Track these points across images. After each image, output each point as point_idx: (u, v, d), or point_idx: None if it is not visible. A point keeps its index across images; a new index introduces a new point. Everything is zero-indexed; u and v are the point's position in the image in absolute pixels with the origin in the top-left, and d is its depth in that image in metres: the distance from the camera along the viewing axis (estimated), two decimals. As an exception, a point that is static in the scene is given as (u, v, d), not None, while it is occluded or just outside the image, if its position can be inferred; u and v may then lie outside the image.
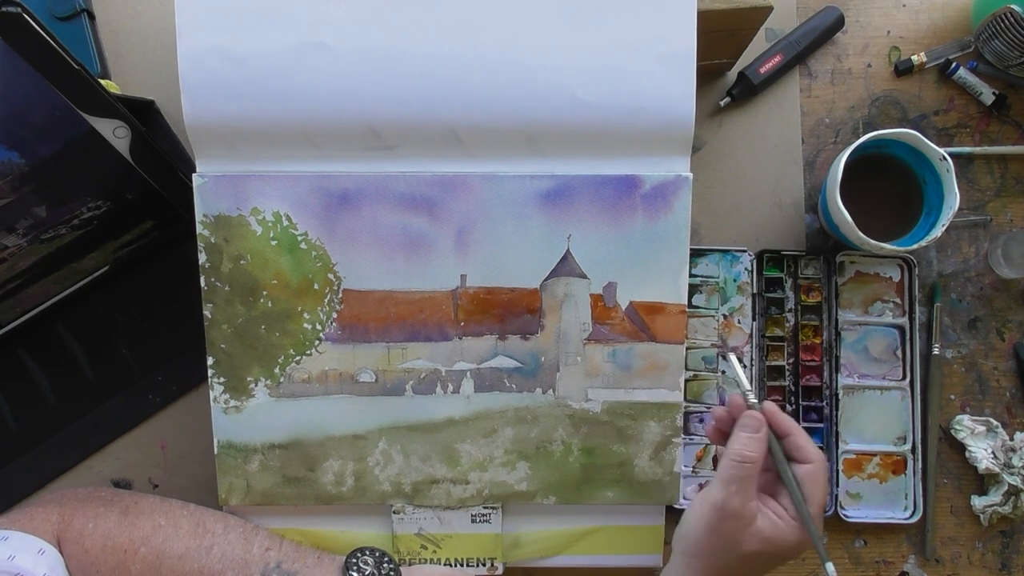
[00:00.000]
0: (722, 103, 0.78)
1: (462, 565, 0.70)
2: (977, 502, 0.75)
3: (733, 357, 0.63)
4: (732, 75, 0.79)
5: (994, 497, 0.75)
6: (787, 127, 0.79)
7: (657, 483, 0.69)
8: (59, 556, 0.60)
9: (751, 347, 0.76)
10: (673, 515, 0.75)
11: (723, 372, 0.76)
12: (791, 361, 0.76)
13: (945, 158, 0.68)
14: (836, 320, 0.76)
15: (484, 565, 0.70)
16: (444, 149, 0.64)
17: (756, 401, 0.60)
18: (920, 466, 0.75)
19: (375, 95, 0.62)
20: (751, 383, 0.74)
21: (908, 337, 0.76)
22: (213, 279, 0.65)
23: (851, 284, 0.77)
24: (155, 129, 0.75)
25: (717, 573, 0.59)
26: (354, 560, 0.65)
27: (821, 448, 0.75)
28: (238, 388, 0.66)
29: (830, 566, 0.57)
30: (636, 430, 0.68)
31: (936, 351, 0.76)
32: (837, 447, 0.75)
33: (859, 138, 0.69)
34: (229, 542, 0.64)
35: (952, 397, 0.77)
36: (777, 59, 0.77)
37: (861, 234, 0.68)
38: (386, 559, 0.66)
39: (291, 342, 0.66)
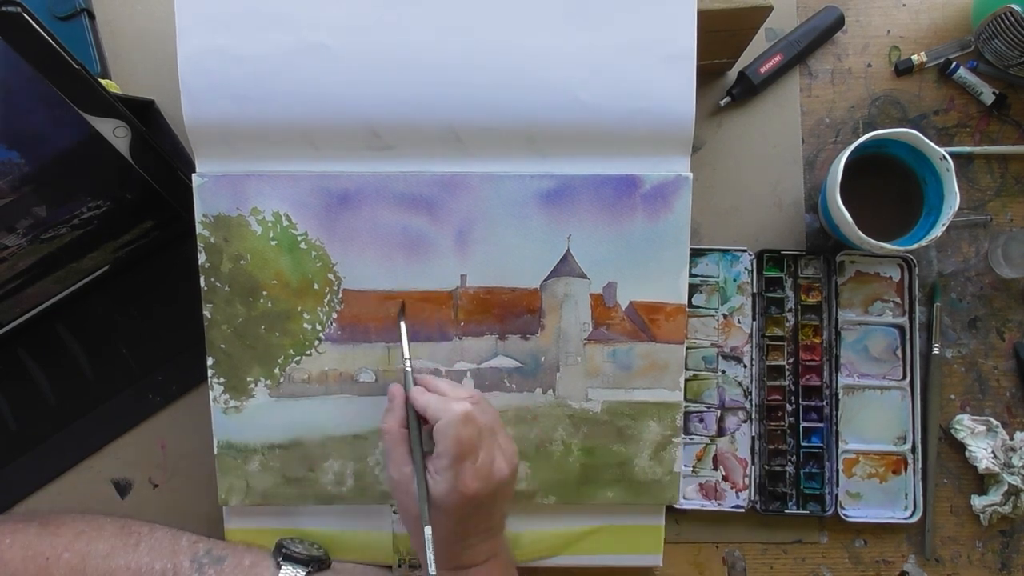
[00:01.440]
0: (722, 103, 0.78)
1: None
2: (977, 502, 0.75)
3: (402, 324, 0.63)
4: (732, 75, 0.79)
5: (994, 497, 0.75)
6: (787, 127, 0.79)
7: (657, 483, 0.69)
8: None
9: (751, 347, 0.76)
10: (673, 515, 0.76)
11: (723, 372, 0.76)
12: (791, 361, 0.76)
13: (945, 158, 0.68)
14: (836, 320, 0.76)
15: (484, 565, 0.70)
16: (444, 149, 0.64)
17: (410, 373, 0.61)
18: (920, 466, 0.75)
19: (375, 95, 0.62)
20: (752, 380, 0.75)
21: (908, 337, 0.76)
22: (213, 279, 0.65)
23: (851, 284, 0.77)
24: (155, 129, 0.75)
25: (417, 542, 0.59)
26: (284, 541, 0.67)
27: (820, 449, 0.75)
28: (238, 388, 0.66)
29: (427, 529, 0.57)
30: (636, 430, 0.68)
31: (936, 351, 0.76)
32: (837, 447, 0.75)
33: (859, 138, 0.69)
34: (156, 539, 0.65)
35: (952, 397, 0.77)
36: (777, 59, 0.77)
37: (861, 234, 0.68)
38: (316, 546, 0.68)
39: (291, 342, 0.66)
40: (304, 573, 0.64)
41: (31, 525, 0.65)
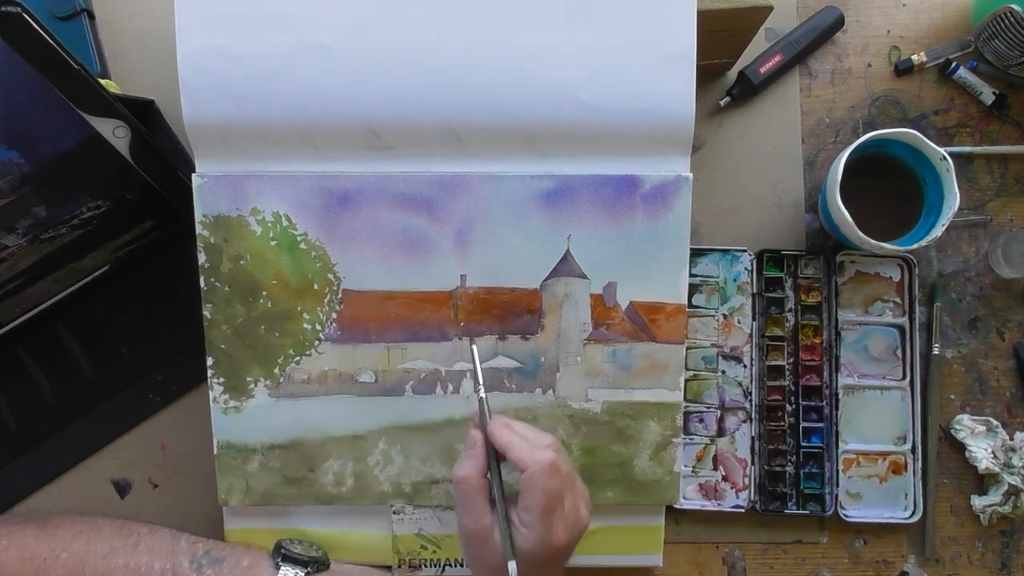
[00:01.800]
0: (722, 103, 0.78)
1: (462, 566, 0.70)
2: (977, 502, 0.75)
3: (475, 349, 0.61)
4: (732, 75, 0.79)
5: (994, 497, 0.75)
6: (787, 127, 0.79)
7: (657, 483, 0.69)
8: None
9: (751, 347, 0.76)
10: (673, 515, 0.76)
11: (723, 372, 0.76)
12: (791, 361, 0.76)
13: (945, 158, 0.68)
14: (836, 320, 0.76)
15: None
16: (444, 149, 0.64)
17: (487, 411, 0.59)
18: (920, 466, 0.75)
19: (375, 95, 0.62)
20: (752, 380, 0.75)
21: (908, 337, 0.76)
22: (213, 279, 0.65)
23: (851, 284, 0.76)
24: (155, 129, 0.75)
25: None
26: (283, 541, 0.67)
27: (820, 448, 0.75)
28: (238, 388, 0.66)
29: (512, 565, 0.55)
30: (636, 430, 0.68)
31: (936, 351, 0.76)
32: (837, 447, 0.75)
33: (859, 138, 0.69)
34: (155, 538, 0.65)
35: (952, 397, 0.77)
36: (777, 59, 0.77)
37: (861, 234, 0.68)
38: (314, 547, 0.68)
39: (291, 342, 0.66)
40: (303, 574, 0.64)
41: (27, 527, 0.65)
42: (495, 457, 0.58)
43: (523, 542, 0.55)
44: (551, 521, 0.55)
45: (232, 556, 0.65)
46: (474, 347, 0.61)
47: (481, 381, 0.60)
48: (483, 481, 0.57)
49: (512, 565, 0.55)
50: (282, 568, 0.64)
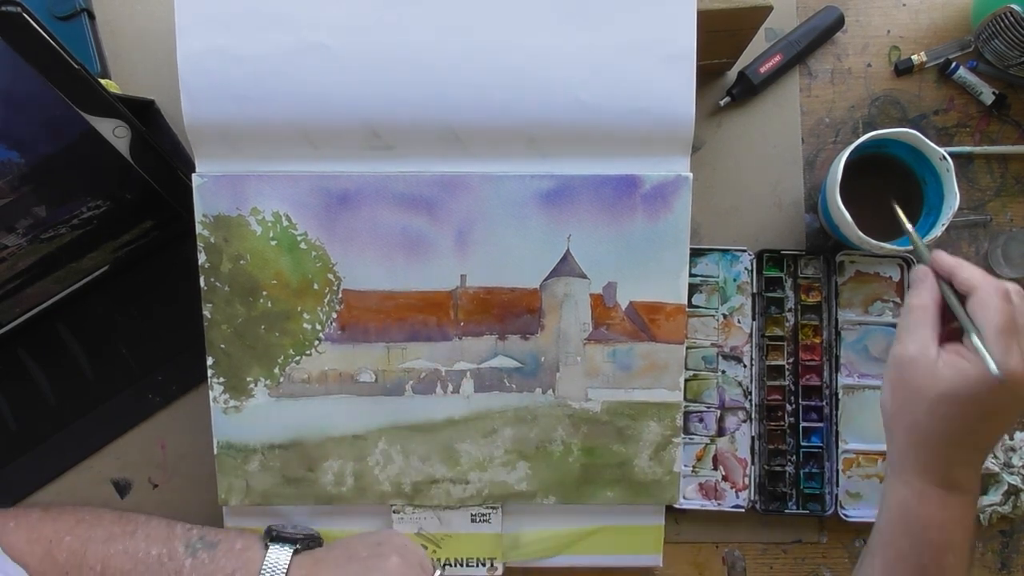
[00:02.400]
0: (722, 103, 0.78)
1: (462, 565, 0.70)
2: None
3: (909, 226, 0.65)
4: (732, 75, 0.79)
5: (994, 497, 0.75)
6: (787, 127, 0.79)
7: (657, 483, 0.69)
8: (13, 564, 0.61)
9: (751, 347, 0.76)
10: (673, 515, 0.76)
11: (723, 372, 0.76)
12: (791, 361, 0.76)
13: (945, 158, 0.68)
14: (836, 320, 0.76)
15: (484, 565, 0.70)
16: (444, 149, 0.64)
17: (926, 254, 0.61)
18: (920, 466, 0.75)
19: (375, 95, 0.62)
20: (752, 380, 0.75)
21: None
22: (213, 279, 0.65)
23: (851, 284, 0.76)
24: (155, 129, 0.75)
25: (915, 431, 0.56)
26: (273, 527, 0.68)
27: (820, 448, 0.75)
28: (238, 388, 0.66)
29: (991, 365, 0.52)
30: (636, 430, 0.68)
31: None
32: (837, 447, 0.75)
33: (859, 138, 0.69)
34: (152, 526, 0.66)
35: (952, 397, 0.77)
36: (777, 59, 0.77)
37: (861, 234, 0.68)
38: (308, 528, 0.69)
39: (291, 342, 0.66)
40: (291, 551, 0.64)
41: (32, 511, 0.66)
42: (952, 289, 0.58)
43: (970, 369, 0.54)
44: (1007, 343, 0.53)
45: (226, 540, 0.65)
46: (896, 206, 0.67)
47: (911, 228, 0.65)
48: (937, 312, 0.57)
49: (975, 338, 0.53)
50: (271, 547, 0.64)
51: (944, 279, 0.58)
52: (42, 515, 0.65)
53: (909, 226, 0.65)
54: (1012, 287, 0.55)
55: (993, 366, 0.52)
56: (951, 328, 0.58)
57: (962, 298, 0.57)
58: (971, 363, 0.54)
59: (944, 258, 0.59)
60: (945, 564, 0.56)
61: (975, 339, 0.53)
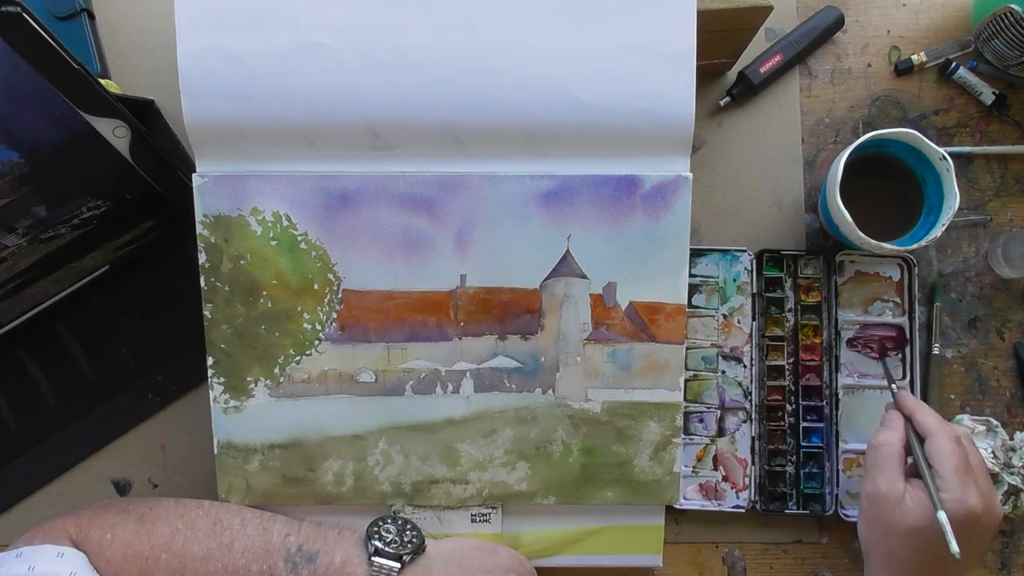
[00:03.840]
0: (722, 103, 0.78)
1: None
2: (977, 502, 0.75)
3: (895, 387, 0.70)
4: (732, 75, 0.79)
5: (994, 497, 0.75)
6: (787, 127, 0.79)
7: (657, 483, 0.69)
8: (80, 554, 0.59)
9: (751, 347, 0.76)
10: (673, 515, 0.76)
11: (723, 372, 0.76)
12: (791, 361, 0.76)
13: (945, 158, 0.68)
14: (836, 320, 0.76)
15: (484, 565, 0.70)
16: (444, 149, 0.64)
17: (897, 394, 0.67)
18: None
19: (375, 95, 0.62)
20: (752, 380, 0.75)
21: (908, 337, 0.76)
22: (213, 279, 0.65)
23: (851, 284, 0.77)
24: (155, 129, 0.75)
25: (889, 561, 0.61)
26: (375, 529, 0.65)
27: (820, 449, 0.75)
28: (238, 388, 0.66)
29: (953, 545, 0.56)
30: (636, 430, 0.68)
31: (936, 351, 0.76)
32: (837, 447, 0.75)
33: (859, 138, 0.69)
34: (248, 536, 0.64)
35: (952, 397, 0.77)
36: (777, 59, 0.77)
37: (861, 234, 0.68)
38: (408, 526, 0.66)
39: (291, 342, 0.66)
40: (398, 568, 0.63)
41: (128, 520, 0.63)
42: (913, 429, 0.64)
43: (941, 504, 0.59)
44: (964, 481, 0.59)
45: (324, 552, 0.64)
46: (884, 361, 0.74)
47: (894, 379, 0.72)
48: (901, 449, 0.62)
49: (943, 515, 0.57)
50: (375, 562, 0.63)
51: (905, 417, 0.65)
52: (137, 527, 0.62)
53: (890, 373, 0.73)
54: (961, 432, 0.62)
55: (955, 546, 0.56)
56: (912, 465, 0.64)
57: (920, 438, 0.63)
58: (942, 495, 0.59)
59: (908, 399, 0.66)
60: None
61: (940, 515, 0.57)
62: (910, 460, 0.63)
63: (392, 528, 0.66)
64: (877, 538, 0.62)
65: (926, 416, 0.63)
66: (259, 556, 0.63)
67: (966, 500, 0.58)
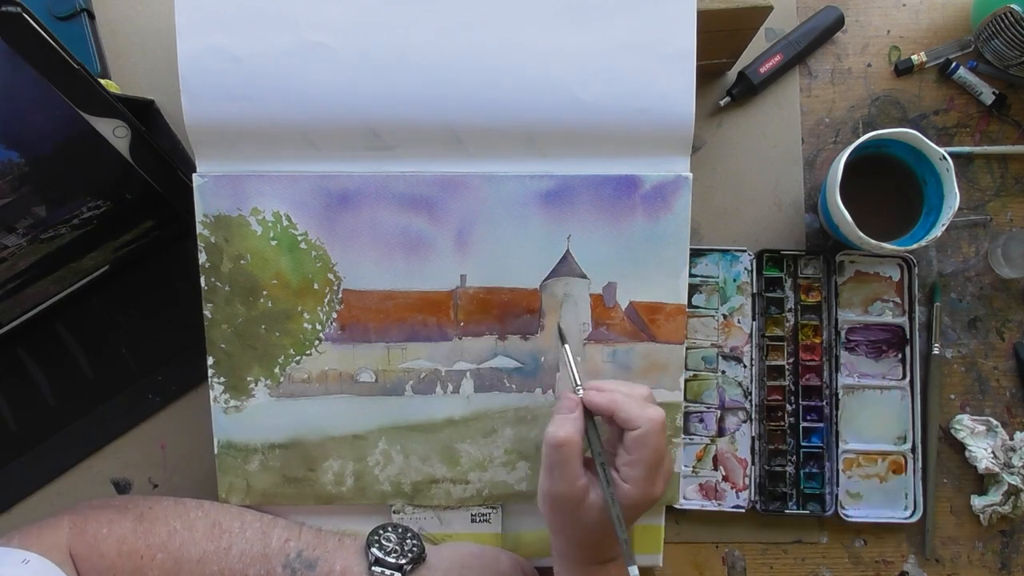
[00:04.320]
0: (722, 103, 0.78)
1: (462, 565, 0.70)
2: (977, 502, 0.75)
3: (567, 348, 0.63)
4: (732, 75, 0.79)
5: (994, 497, 0.75)
6: (787, 127, 0.79)
7: (657, 483, 0.69)
8: (48, 563, 0.57)
9: (751, 347, 0.76)
10: (673, 515, 0.76)
11: (723, 372, 0.76)
12: (791, 361, 0.76)
13: (945, 158, 0.68)
14: (836, 320, 0.76)
15: (484, 565, 0.70)
16: (444, 149, 0.64)
17: (580, 387, 0.60)
18: (920, 466, 0.75)
19: (375, 95, 0.62)
20: (752, 380, 0.75)
21: (908, 337, 0.76)
22: (213, 279, 0.65)
23: (851, 284, 0.77)
24: (155, 129, 0.75)
25: (577, 545, 0.60)
26: (376, 537, 0.65)
27: (820, 448, 0.75)
28: (238, 388, 0.66)
29: (633, 570, 0.55)
30: (636, 430, 0.68)
31: (936, 351, 0.76)
32: (837, 447, 0.75)
33: (859, 138, 0.69)
34: (247, 539, 0.64)
35: (952, 397, 0.77)
36: (777, 59, 0.77)
37: (861, 234, 0.68)
38: (409, 535, 0.66)
39: (291, 342, 0.66)
40: None
41: (126, 517, 0.63)
42: (591, 418, 0.59)
43: (624, 497, 0.57)
44: (655, 476, 0.57)
45: (324, 558, 0.64)
46: (566, 348, 0.63)
47: (575, 371, 0.61)
48: (580, 444, 0.57)
49: (634, 570, 0.55)
50: (374, 571, 0.62)
51: (602, 416, 0.59)
52: (135, 524, 0.62)
53: (572, 367, 0.62)
54: (660, 411, 0.57)
55: (633, 569, 0.55)
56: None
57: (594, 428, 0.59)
58: (624, 490, 0.57)
59: (598, 399, 0.58)
60: None
61: (632, 571, 0.55)
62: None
63: (392, 536, 0.66)
64: (563, 527, 0.59)
65: (627, 408, 0.57)
66: (257, 561, 0.63)
67: (651, 491, 0.57)
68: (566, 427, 0.57)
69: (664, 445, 0.57)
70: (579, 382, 0.60)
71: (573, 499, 0.57)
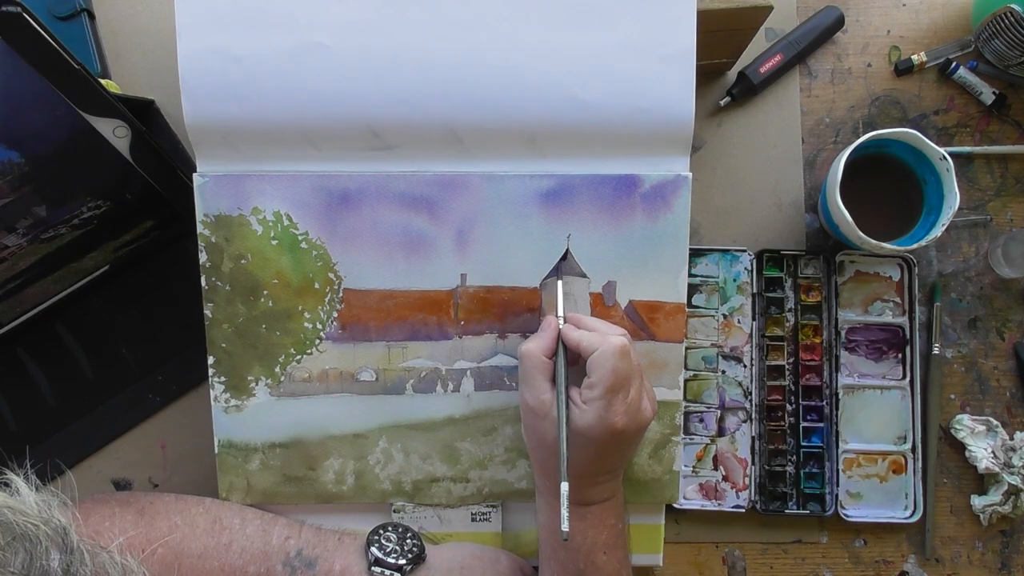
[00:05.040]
0: (722, 103, 0.78)
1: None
2: (977, 502, 0.75)
3: (560, 284, 0.64)
4: (732, 75, 0.79)
5: (994, 497, 0.75)
6: (787, 127, 0.79)
7: (656, 481, 0.69)
8: None
9: (751, 347, 0.76)
10: (673, 515, 0.76)
11: (723, 372, 0.76)
12: (791, 360, 0.76)
13: (945, 158, 0.68)
14: (836, 320, 0.76)
15: (484, 564, 0.70)
16: (444, 149, 0.64)
17: (562, 318, 0.62)
18: (920, 465, 0.75)
19: (375, 95, 0.62)
20: (752, 380, 0.75)
21: (908, 336, 0.76)
22: (214, 278, 0.65)
23: (851, 284, 0.77)
24: (155, 129, 0.75)
25: (543, 467, 0.61)
26: (376, 537, 0.65)
27: (820, 448, 0.75)
28: (239, 387, 0.66)
29: (564, 486, 0.56)
30: (636, 429, 0.68)
31: (936, 351, 0.76)
32: (837, 446, 0.75)
33: (859, 138, 0.69)
34: (247, 536, 0.64)
35: (952, 397, 0.77)
36: (777, 59, 0.77)
37: (861, 234, 0.68)
38: (409, 535, 0.66)
39: (292, 341, 0.66)
40: None
41: (128, 512, 0.63)
42: (562, 342, 0.61)
43: (579, 419, 0.58)
44: (612, 401, 0.57)
45: (324, 557, 0.64)
46: (559, 283, 0.64)
47: (561, 304, 0.63)
48: (545, 360, 0.60)
49: (565, 486, 0.56)
50: (374, 571, 0.63)
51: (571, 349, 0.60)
52: (136, 518, 0.62)
53: (559, 303, 0.63)
54: (628, 345, 0.58)
55: (565, 525, 0.55)
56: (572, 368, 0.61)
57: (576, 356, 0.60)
58: (581, 411, 0.58)
59: (569, 330, 0.61)
60: (598, 562, 0.61)
61: (563, 487, 0.56)
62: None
63: (393, 536, 0.66)
64: (533, 447, 0.61)
65: (588, 338, 0.59)
66: (257, 558, 0.63)
67: (608, 417, 0.57)
68: (533, 342, 0.61)
69: (626, 372, 0.57)
70: (561, 314, 0.62)
71: (538, 411, 0.59)
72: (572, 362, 0.61)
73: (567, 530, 0.55)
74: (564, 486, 0.56)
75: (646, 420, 0.60)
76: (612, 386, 0.57)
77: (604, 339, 0.58)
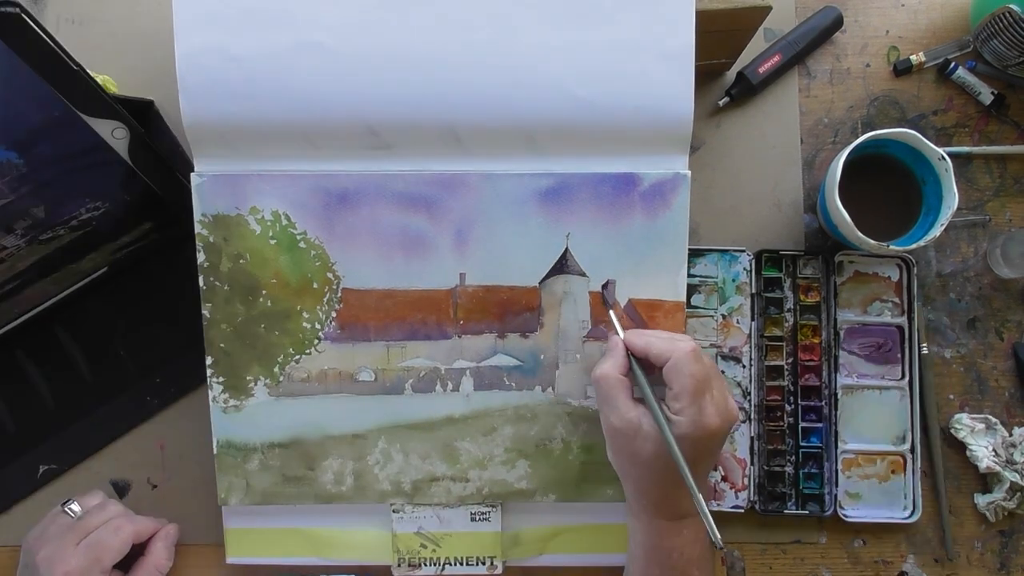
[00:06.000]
0: (721, 103, 0.78)
1: (461, 564, 0.70)
2: (981, 500, 0.75)
3: (612, 313, 0.65)
4: (731, 75, 0.79)
5: (998, 494, 0.74)
6: (786, 127, 0.79)
7: (657, 482, 0.69)
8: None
9: (750, 347, 0.76)
10: (673, 515, 0.76)
11: (722, 372, 0.76)
12: (790, 361, 0.76)
13: (944, 158, 0.68)
14: (835, 320, 0.76)
15: (484, 564, 0.70)
16: (443, 148, 0.64)
17: (621, 330, 0.63)
18: (919, 465, 0.75)
19: (373, 95, 0.62)
20: (751, 381, 0.75)
21: (907, 337, 0.76)
22: (212, 278, 0.65)
23: (850, 284, 0.77)
24: (155, 130, 0.75)
25: (638, 487, 0.61)
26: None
27: (820, 449, 0.75)
28: (237, 387, 0.66)
29: (700, 501, 0.56)
30: (635, 429, 0.68)
31: (924, 350, 0.76)
32: (836, 447, 0.75)
33: (858, 138, 0.69)
34: None
35: (951, 397, 0.77)
36: (776, 59, 0.77)
37: (860, 234, 0.68)
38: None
39: (290, 341, 0.66)
40: None
41: None
42: (634, 355, 0.61)
43: (675, 430, 0.58)
44: (701, 404, 0.57)
45: None
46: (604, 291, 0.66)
47: (618, 325, 0.64)
48: (622, 379, 0.60)
49: (700, 498, 0.56)
50: None
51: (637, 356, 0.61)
52: None
53: (615, 321, 0.64)
54: (694, 345, 0.59)
55: (718, 534, 0.55)
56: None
57: (650, 366, 0.61)
58: (675, 422, 0.58)
59: (634, 339, 0.61)
60: None
61: (700, 505, 0.56)
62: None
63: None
64: (625, 468, 0.62)
65: (657, 344, 0.60)
66: None
67: (702, 421, 0.57)
68: (604, 364, 0.61)
69: (704, 374, 0.58)
70: (620, 332, 0.63)
71: (627, 431, 0.59)
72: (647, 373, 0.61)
73: (720, 537, 0.55)
74: (699, 497, 0.56)
75: (735, 415, 0.60)
76: (696, 390, 0.57)
77: (674, 345, 0.59)
